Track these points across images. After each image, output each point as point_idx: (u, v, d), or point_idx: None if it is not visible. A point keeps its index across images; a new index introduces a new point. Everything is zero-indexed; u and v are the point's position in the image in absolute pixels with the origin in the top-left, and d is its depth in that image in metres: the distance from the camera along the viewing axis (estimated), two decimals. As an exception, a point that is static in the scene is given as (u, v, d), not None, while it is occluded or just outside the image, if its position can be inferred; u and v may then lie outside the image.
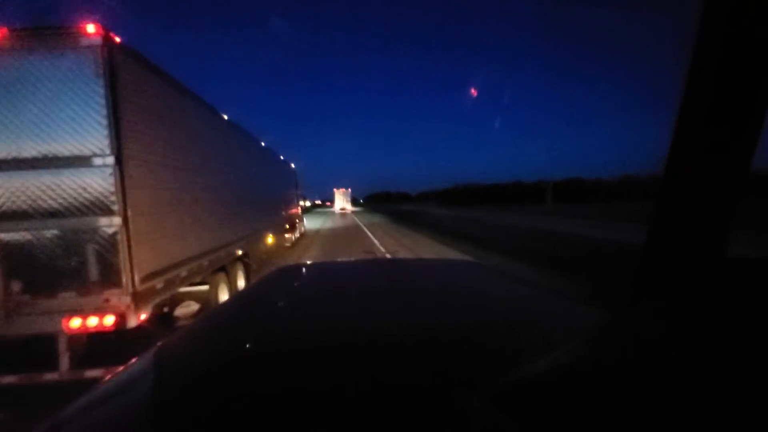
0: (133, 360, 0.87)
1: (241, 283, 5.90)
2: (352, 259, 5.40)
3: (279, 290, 1.47)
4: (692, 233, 0.55)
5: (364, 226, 22.10)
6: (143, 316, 3.08)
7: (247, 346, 0.89)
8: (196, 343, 0.97)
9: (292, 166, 13.80)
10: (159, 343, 0.95)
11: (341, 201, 42.35)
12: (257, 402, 0.62)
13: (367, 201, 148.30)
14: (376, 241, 13.93)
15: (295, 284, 1.58)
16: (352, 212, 40.86)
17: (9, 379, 2.92)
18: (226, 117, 5.80)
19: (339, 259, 4.98)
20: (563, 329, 0.91)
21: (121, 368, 0.83)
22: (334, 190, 43.72)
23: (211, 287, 4.69)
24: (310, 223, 21.98)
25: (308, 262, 2.04)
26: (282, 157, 11.73)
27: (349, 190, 43.66)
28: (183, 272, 3.87)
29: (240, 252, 5.98)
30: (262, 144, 8.77)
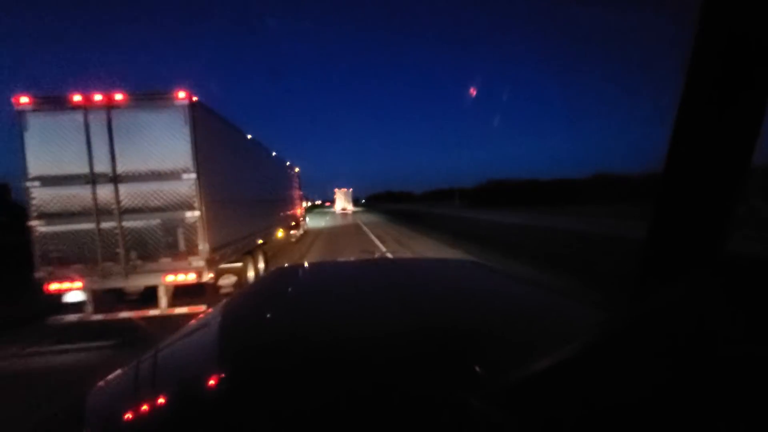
0: (129, 364, 0.88)
1: (261, 265, 7.57)
2: (352, 258, 5.71)
3: (280, 290, 1.49)
4: (692, 232, 0.55)
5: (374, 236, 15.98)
6: (211, 275, 4.77)
7: (248, 346, 0.90)
8: (196, 343, 0.99)
9: (297, 169, 15.47)
10: (159, 344, 0.97)
11: (342, 201, 42.34)
12: (258, 403, 0.62)
13: (369, 201, 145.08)
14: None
15: (296, 284, 1.59)
16: (353, 213, 40.23)
17: (127, 313, 4.61)
18: (250, 136, 7.50)
19: (339, 259, 5.15)
20: (564, 328, 0.91)
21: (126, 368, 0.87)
22: (335, 190, 43.67)
23: (243, 265, 6.35)
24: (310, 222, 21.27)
25: (309, 262, 2.19)
26: (288, 163, 13.40)
27: (350, 190, 43.66)
28: (229, 251, 5.56)
29: (261, 241, 7.67)
30: (274, 153, 10.45)
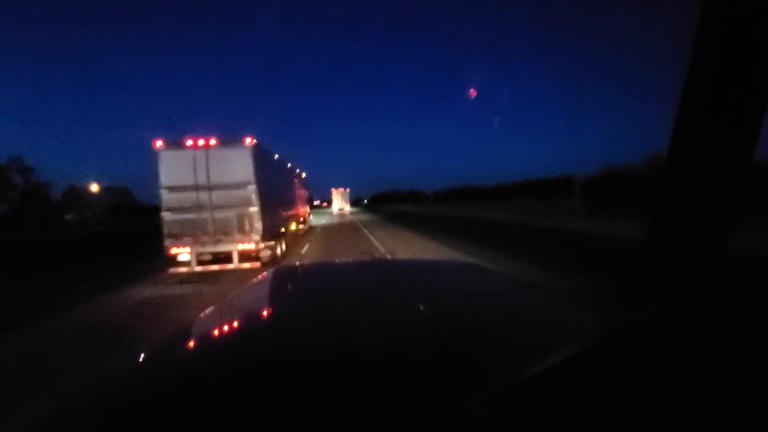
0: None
1: (283, 246, 10.76)
2: (350, 260, 6.24)
3: (278, 291, 1.53)
4: (692, 234, 0.55)
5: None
6: (263, 245, 8.03)
7: (245, 347, 0.91)
8: (193, 342, 1.02)
9: (303, 175, 18.59)
10: (159, 341, 1.02)
11: (339, 202, 42.78)
12: (254, 404, 0.63)
13: (374, 201, 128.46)
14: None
15: (294, 285, 1.62)
16: (350, 214, 39.45)
17: (215, 267, 7.88)
18: (276, 155, 10.77)
19: (338, 260, 5.31)
20: (563, 331, 0.92)
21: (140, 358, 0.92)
22: (332, 190, 43.87)
23: (274, 244, 9.56)
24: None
25: (307, 264, 2.09)
26: (297, 170, 16.53)
27: (348, 189, 43.43)
28: (269, 233, 8.80)
29: (283, 230, 10.93)
30: (289, 165, 13.68)
